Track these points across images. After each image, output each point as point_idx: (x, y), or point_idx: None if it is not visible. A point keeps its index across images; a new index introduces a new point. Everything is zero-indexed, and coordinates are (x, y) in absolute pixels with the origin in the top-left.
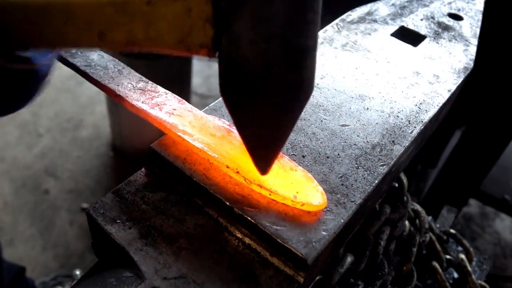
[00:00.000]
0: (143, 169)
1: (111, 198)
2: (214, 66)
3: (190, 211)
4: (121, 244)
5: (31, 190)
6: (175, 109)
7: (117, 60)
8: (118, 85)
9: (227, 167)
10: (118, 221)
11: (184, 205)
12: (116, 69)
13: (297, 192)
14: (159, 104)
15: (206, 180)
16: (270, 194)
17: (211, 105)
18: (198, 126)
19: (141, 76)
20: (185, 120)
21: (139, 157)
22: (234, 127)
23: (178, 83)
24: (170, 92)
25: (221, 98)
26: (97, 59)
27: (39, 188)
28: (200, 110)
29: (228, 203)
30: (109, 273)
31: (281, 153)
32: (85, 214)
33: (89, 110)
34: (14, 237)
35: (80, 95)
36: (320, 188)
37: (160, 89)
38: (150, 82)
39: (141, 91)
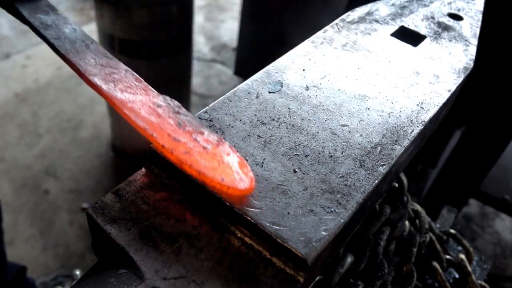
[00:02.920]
0: (143, 169)
1: (111, 198)
2: (214, 66)
3: (190, 211)
4: (121, 244)
5: (31, 190)
6: (129, 87)
7: (88, 35)
8: (80, 59)
9: (163, 146)
10: (118, 221)
11: (184, 205)
12: (83, 44)
13: (225, 176)
14: (115, 81)
15: None
16: (199, 175)
17: (211, 105)
18: (146, 105)
19: (106, 52)
20: (136, 98)
21: (139, 157)
22: (183, 112)
23: (178, 83)
24: (131, 70)
25: (221, 98)
26: (69, 32)
27: (39, 188)
28: (200, 110)
29: (228, 203)
30: (109, 273)
31: (222, 139)
32: (85, 214)
33: (89, 110)
34: (14, 237)
35: (80, 95)
36: (251, 174)
37: (122, 66)
38: (114, 58)
39: (101, 66)
